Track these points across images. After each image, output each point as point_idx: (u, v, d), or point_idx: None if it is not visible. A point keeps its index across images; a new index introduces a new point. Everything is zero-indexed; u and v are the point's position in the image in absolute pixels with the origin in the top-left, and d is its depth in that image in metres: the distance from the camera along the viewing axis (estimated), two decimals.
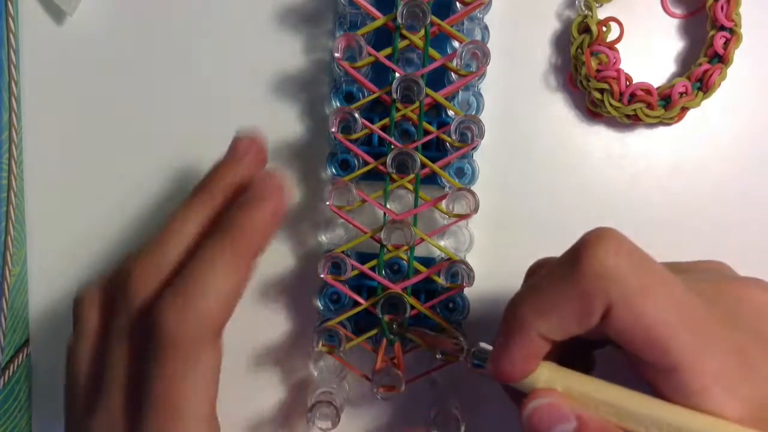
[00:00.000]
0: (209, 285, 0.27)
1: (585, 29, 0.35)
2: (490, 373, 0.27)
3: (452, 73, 0.32)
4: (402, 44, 0.31)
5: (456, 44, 0.33)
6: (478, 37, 0.34)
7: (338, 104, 0.34)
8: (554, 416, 0.25)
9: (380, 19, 0.31)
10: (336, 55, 0.31)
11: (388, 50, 0.31)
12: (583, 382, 0.26)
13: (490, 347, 0.28)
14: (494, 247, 0.36)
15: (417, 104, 0.31)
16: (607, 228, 0.25)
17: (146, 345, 0.27)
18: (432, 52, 0.31)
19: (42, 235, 0.37)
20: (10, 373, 0.35)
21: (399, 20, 0.30)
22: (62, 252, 0.37)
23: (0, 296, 0.34)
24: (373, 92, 0.32)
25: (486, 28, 0.34)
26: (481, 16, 0.34)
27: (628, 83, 0.34)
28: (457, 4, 0.32)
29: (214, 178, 0.30)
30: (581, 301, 0.24)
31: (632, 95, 0.34)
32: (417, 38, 0.31)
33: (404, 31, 0.31)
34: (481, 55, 0.31)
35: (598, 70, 0.34)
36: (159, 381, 0.26)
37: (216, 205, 0.29)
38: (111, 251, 0.33)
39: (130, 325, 0.28)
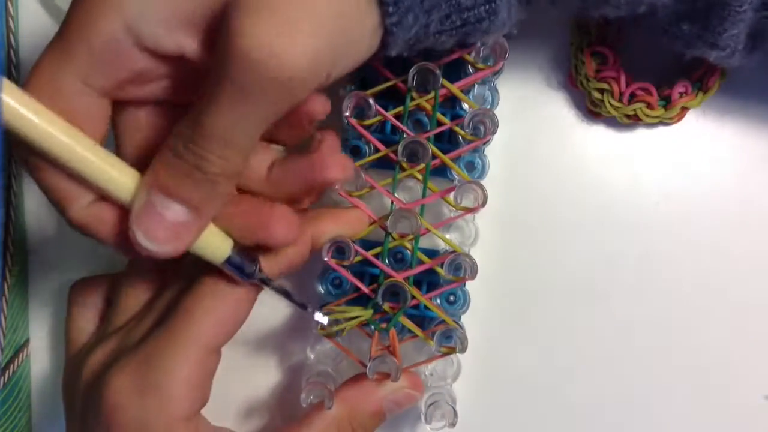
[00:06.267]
0: None
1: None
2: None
3: (469, 66, 0.32)
4: None
5: None
6: None
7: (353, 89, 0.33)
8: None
9: None
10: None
11: None
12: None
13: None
14: (497, 243, 0.36)
15: (432, 94, 0.31)
16: None
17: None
18: None
19: (42, 235, 0.37)
20: (10, 373, 0.35)
21: None
22: (62, 252, 0.37)
23: (0, 296, 0.34)
24: (390, 79, 0.32)
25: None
26: None
27: (628, 83, 0.34)
28: None
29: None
30: None
31: (632, 95, 0.34)
32: None
33: None
34: (499, 50, 0.31)
35: (598, 70, 0.34)
36: (181, 301, 0.29)
37: None
38: (111, 251, 0.33)
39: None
